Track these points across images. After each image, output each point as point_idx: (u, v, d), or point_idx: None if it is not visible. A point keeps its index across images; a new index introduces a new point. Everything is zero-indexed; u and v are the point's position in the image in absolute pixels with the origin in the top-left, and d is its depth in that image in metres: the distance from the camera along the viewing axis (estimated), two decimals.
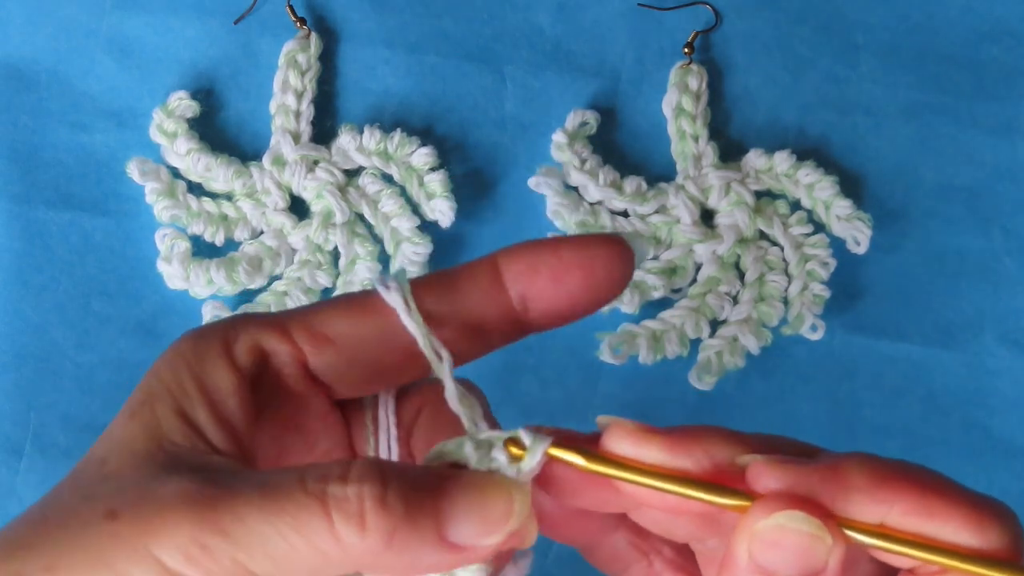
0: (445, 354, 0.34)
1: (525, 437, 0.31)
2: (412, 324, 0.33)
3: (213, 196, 0.58)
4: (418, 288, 0.34)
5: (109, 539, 0.29)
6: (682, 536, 0.34)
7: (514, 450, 0.31)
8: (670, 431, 0.32)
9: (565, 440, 0.32)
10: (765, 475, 0.30)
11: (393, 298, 0.33)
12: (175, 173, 0.58)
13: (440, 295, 0.34)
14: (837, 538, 0.29)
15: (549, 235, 0.57)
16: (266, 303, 0.57)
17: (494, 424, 0.34)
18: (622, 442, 0.31)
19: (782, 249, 0.58)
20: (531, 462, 0.31)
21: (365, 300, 0.34)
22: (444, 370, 0.33)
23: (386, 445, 0.35)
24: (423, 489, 0.30)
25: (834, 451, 0.32)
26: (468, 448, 0.32)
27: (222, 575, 0.29)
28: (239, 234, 0.58)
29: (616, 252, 0.34)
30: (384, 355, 0.34)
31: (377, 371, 0.34)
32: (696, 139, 0.59)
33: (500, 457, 0.32)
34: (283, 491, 0.30)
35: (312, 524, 0.29)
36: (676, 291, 0.58)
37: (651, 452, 0.31)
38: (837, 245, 0.58)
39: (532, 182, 0.58)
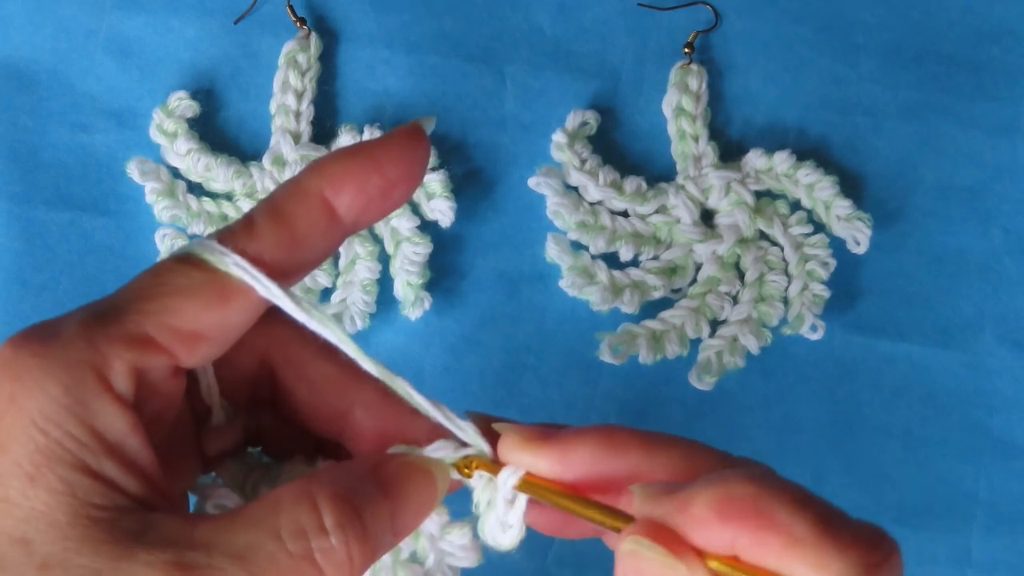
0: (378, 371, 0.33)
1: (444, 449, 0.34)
2: (329, 332, 0.33)
3: (213, 196, 0.58)
4: (263, 251, 0.32)
5: None
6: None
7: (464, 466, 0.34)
8: (559, 440, 0.32)
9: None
10: (636, 501, 0.31)
11: (265, 289, 0.32)
12: (175, 173, 0.58)
13: (283, 254, 0.33)
14: (693, 566, 0.29)
15: (549, 236, 0.57)
16: None
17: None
18: (517, 453, 0.33)
19: (782, 249, 0.58)
20: (450, 456, 0.34)
21: (218, 283, 0.32)
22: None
23: (215, 409, 0.36)
24: (379, 502, 0.31)
25: (718, 470, 0.31)
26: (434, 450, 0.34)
27: None
28: None
29: (423, 144, 0.34)
30: (247, 326, 0.33)
31: (237, 339, 0.34)
32: (696, 139, 0.59)
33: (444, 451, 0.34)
34: (268, 560, 0.29)
35: None
36: (676, 291, 0.58)
37: (541, 463, 0.32)
38: (837, 245, 0.58)
39: (532, 182, 0.58)
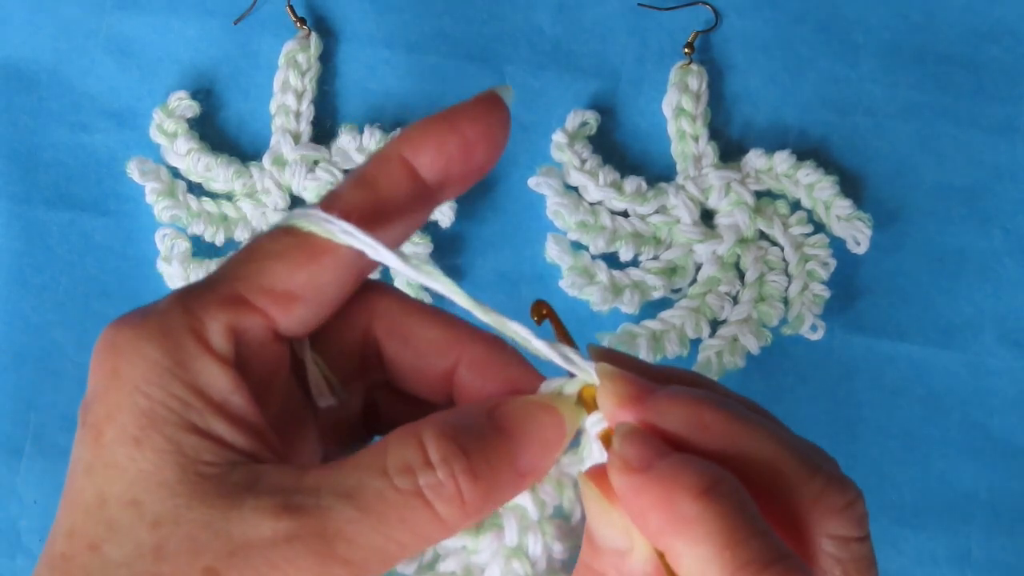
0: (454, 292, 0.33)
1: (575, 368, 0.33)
2: (407, 268, 0.32)
3: (213, 196, 0.58)
4: (349, 213, 0.32)
5: None
6: None
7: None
8: (650, 404, 0.32)
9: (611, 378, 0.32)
10: (615, 440, 0.31)
11: (356, 239, 0.32)
12: (175, 173, 0.58)
13: (369, 215, 0.33)
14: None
15: (549, 236, 0.57)
16: None
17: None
18: (609, 407, 0.32)
19: (782, 249, 0.58)
20: (572, 388, 0.33)
21: (307, 244, 0.32)
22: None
23: (315, 383, 0.35)
24: (493, 440, 0.31)
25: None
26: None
27: None
28: (239, 234, 0.57)
29: (501, 108, 0.34)
30: (342, 291, 0.33)
31: (335, 306, 0.34)
32: (696, 139, 0.59)
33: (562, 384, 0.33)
34: (377, 498, 0.30)
35: (417, 519, 0.30)
36: (676, 291, 0.58)
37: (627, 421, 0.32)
38: (837, 245, 0.58)
39: (532, 182, 0.58)
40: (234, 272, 0.32)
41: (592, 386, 0.33)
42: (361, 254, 0.32)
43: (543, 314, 0.34)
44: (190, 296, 0.31)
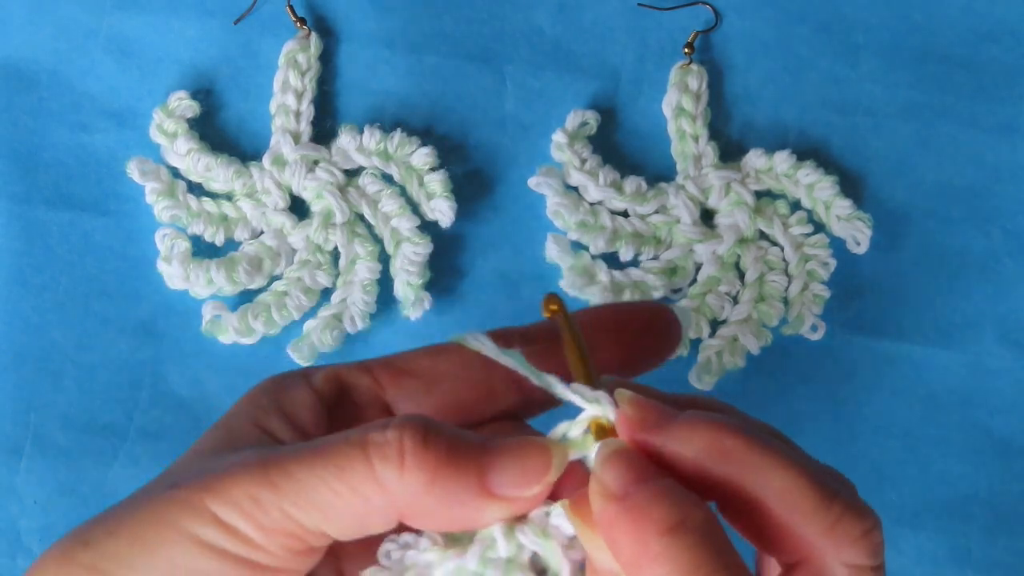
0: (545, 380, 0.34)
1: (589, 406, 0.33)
2: (508, 359, 0.34)
3: (213, 196, 0.58)
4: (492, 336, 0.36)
5: (169, 502, 0.31)
6: None
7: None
8: (669, 431, 0.32)
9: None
10: (592, 483, 0.33)
11: (480, 341, 0.35)
12: (175, 173, 0.58)
13: (502, 338, 0.36)
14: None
15: (549, 236, 0.57)
16: (266, 303, 0.56)
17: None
18: (628, 432, 0.32)
19: (782, 249, 0.58)
20: (576, 430, 0.33)
21: (445, 344, 0.37)
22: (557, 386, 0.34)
23: None
24: (465, 439, 0.32)
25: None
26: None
27: (272, 525, 0.31)
28: (239, 234, 0.57)
29: (667, 314, 0.38)
30: (460, 390, 0.36)
31: (452, 405, 0.36)
32: (696, 139, 0.59)
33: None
34: (328, 445, 0.32)
35: (353, 469, 0.31)
36: (676, 291, 0.58)
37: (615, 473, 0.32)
38: (837, 245, 0.58)
39: (532, 182, 0.58)
40: (380, 357, 0.37)
41: (601, 419, 0.33)
42: (493, 367, 0.35)
43: (552, 310, 0.35)
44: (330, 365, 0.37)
